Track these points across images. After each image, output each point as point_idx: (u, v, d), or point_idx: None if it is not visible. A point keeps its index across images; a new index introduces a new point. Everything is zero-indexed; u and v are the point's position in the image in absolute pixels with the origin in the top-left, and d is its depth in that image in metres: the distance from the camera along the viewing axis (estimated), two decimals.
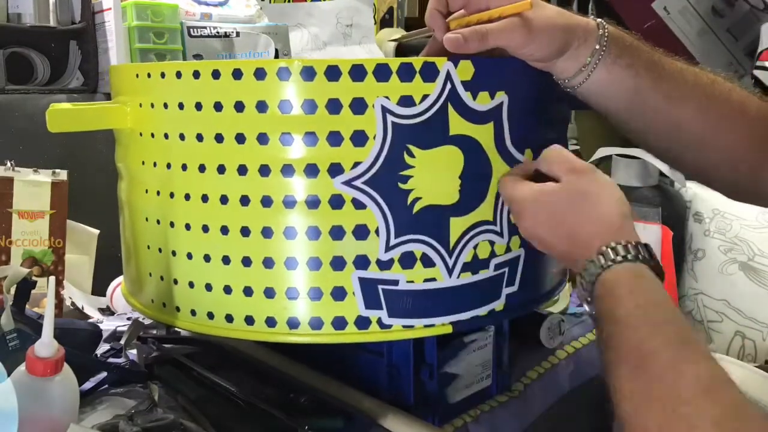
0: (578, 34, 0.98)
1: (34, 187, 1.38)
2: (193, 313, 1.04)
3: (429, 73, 0.94)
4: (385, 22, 2.74)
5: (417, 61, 0.93)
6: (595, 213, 0.89)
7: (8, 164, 1.37)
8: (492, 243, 1.01)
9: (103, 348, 1.28)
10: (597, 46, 0.98)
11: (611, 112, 1.03)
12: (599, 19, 1.00)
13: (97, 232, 1.60)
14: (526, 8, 0.95)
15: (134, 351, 1.28)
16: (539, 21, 0.95)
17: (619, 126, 1.05)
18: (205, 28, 1.86)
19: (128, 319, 1.43)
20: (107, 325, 1.39)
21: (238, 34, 1.91)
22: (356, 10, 2.40)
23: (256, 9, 2.05)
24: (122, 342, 1.28)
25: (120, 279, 1.37)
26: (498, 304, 1.03)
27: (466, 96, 0.96)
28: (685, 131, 1.01)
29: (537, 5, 0.96)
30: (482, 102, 0.97)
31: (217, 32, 1.88)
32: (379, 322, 0.98)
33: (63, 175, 1.42)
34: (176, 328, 1.31)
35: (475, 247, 1.00)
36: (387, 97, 0.93)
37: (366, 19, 2.42)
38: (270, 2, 2.27)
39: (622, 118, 1.03)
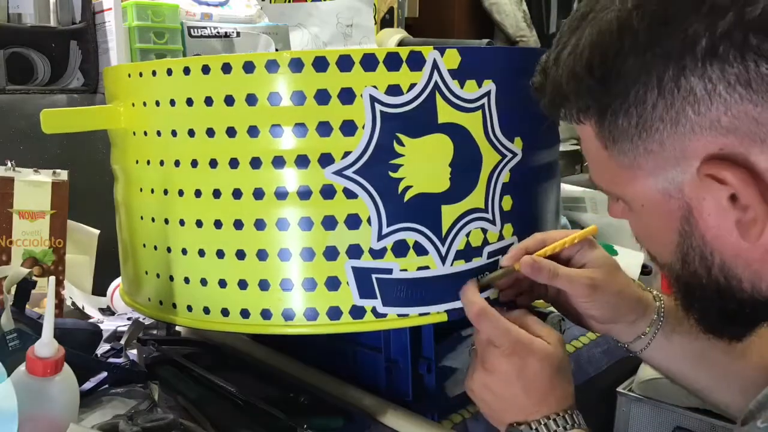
0: (637, 309, 1.00)
1: (34, 187, 1.38)
2: (189, 308, 1.05)
3: (416, 62, 0.94)
4: (385, 22, 2.73)
5: (403, 50, 0.93)
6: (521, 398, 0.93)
7: (9, 164, 1.38)
8: (484, 231, 1.01)
9: (103, 348, 1.28)
10: (654, 317, 1.01)
11: (676, 373, 1.04)
12: (655, 292, 1.03)
13: (97, 232, 1.60)
14: (593, 232, 1.02)
15: (134, 351, 1.28)
16: (604, 286, 0.99)
17: (687, 386, 1.05)
18: (205, 28, 1.87)
19: (128, 319, 1.43)
20: (107, 325, 1.39)
21: (238, 34, 1.91)
22: (356, 11, 2.40)
23: (256, 9, 2.05)
24: (122, 342, 1.29)
25: (120, 279, 1.37)
26: (493, 292, 1.03)
27: (453, 84, 0.96)
28: (750, 381, 1.00)
29: (612, 272, 1.00)
30: (470, 90, 0.97)
31: (218, 32, 1.89)
32: (374, 311, 0.98)
33: (63, 175, 1.43)
34: (175, 328, 1.32)
35: (467, 235, 1.00)
36: (375, 87, 0.93)
37: (366, 20, 2.41)
38: (270, 2, 2.26)
39: (689, 379, 1.04)
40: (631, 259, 1.68)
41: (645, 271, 1.72)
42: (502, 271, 1.00)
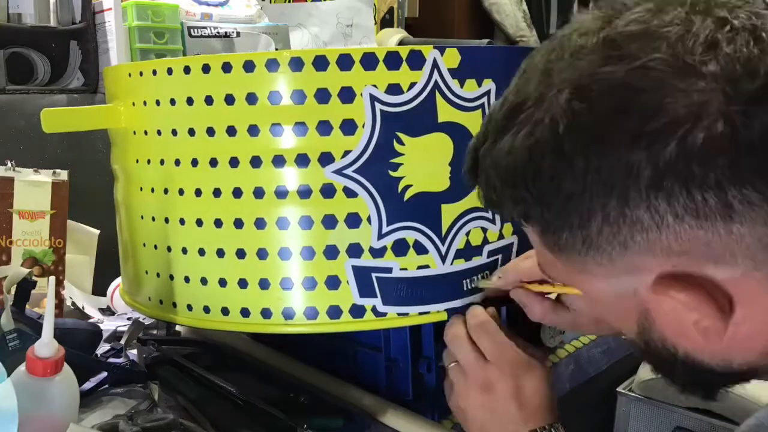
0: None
1: (34, 187, 1.38)
2: (190, 308, 1.05)
3: (416, 61, 0.94)
4: (385, 22, 2.73)
5: (403, 50, 0.94)
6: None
7: (9, 164, 1.38)
8: (484, 230, 1.02)
9: (103, 348, 1.28)
10: None
11: None
12: None
13: (97, 232, 1.60)
14: (575, 292, 0.98)
15: (134, 351, 1.28)
16: (587, 321, 0.98)
17: None
18: (205, 28, 1.87)
19: (128, 319, 1.43)
20: (107, 325, 1.39)
21: (238, 34, 1.91)
22: (356, 10, 2.39)
23: (256, 9, 2.05)
24: (122, 342, 1.29)
25: (120, 279, 1.37)
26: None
27: (453, 83, 0.96)
28: None
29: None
30: (469, 89, 0.98)
31: (218, 32, 1.88)
32: (374, 310, 0.98)
33: (63, 175, 1.42)
34: (175, 328, 1.32)
35: (467, 234, 1.00)
36: (375, 86, 0.93)
37: (366, 19, 2.41)
38: (270, 2, 2.26)
39: None
40: None
41: None
42: (495, 287, 1.03)
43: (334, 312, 0.98)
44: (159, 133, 1.03)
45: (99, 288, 1.59)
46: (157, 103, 1.02)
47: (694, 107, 0.56)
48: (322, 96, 0.93)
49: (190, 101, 0.98)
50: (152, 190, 1.06)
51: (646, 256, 0.63)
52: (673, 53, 0.58)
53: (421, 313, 1.00)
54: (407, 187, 0.96)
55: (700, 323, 0.63)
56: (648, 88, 0.58)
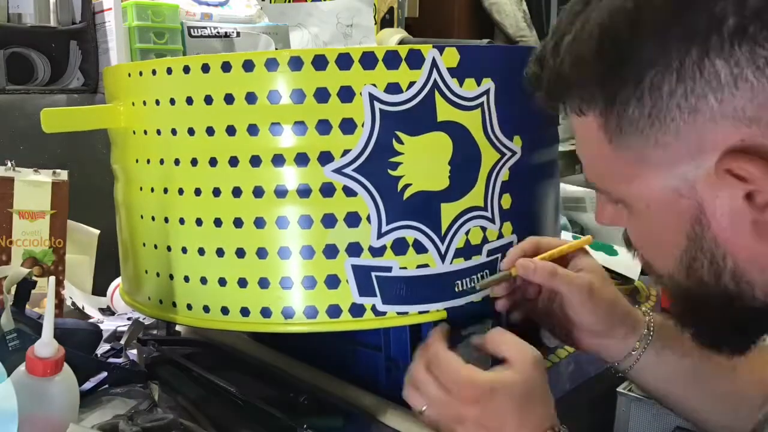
0: (627, 323, 0.99)
1: (34, 187, 1.38)
2: (189, 307, 1.05)
3: (415, 60, 0.94)
4: (385, 22, 2.73)
5: (402, 49, 0.94)
6: None
7: (9, 164, 1.38)
8: (484, 229, 1.02)
9: (103, 348, 1.28)
10: (645, 332, 0.99)
11: (665, 393, 1.02)
12: (644, 308, 1.02)
13: (97, 232, 1.60)
14: (588, 242, 1.00)
15: (134, 351, 1.28)
16: (601, 293, 0.97)
17: (676, 407, 1.03)
18: (205, 28, 1.87)
19: (128, 319, 1.43)
20: (107, 325, 1.39)
21: (238, 34, 1.91)
22: (357, 10, 2.39)
23: (256, 9, 2.05)
24: (122, 342, 1.29)
25: (120, 279, 1.37)
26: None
27: (452, 83, 0.96)
28: (742, 397, 0.98)
29: (606, 281, 0.99)
30: (469, 89, 0.98)
31: (218, 32, 1.88)
32: (374, 309, 0.98)
33: (63, 175, 1.42)
34: (175, 328, 1.32)
35: (467, 233, 1.00)
36: (374, 85, 0.93)
37: (366, 19, 2.41)
38: (270, 2, 2.26)
39: (679, 399, 1.01)
40: (631, 260, 1.68)
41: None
42: (499, 275, 1.00)
43: (334, 311, 0.98)
44: (159, 132, 1.03)
45: (99, 288, 1.59)
46: (157, 102, 1.02)
47: None
48: (322, 95, 0.93)
49: (189, 101, 0.98)
50: (152, 189, 1.06)
51: (715, 127, 0.60)
52: None
53: (420, 312, 1.00)
54: (407, 186, 0.96)
55: (758, 220, 0.61)
56: None
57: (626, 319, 0.99)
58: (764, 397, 0.94)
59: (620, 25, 0.62)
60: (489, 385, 0.89)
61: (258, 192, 0.97)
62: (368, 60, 0.93)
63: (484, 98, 0.99)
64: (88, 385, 1.13)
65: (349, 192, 0.95)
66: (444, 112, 0.96)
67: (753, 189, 0.61)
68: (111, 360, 1.24)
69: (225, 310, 1.02)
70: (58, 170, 1.43)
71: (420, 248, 0.98)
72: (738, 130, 0.60)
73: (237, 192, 0.98)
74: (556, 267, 0.97)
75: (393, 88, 0.94)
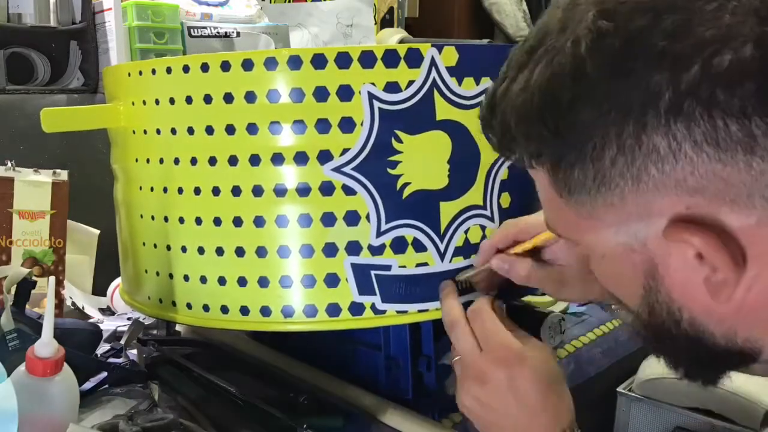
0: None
1: (34, 188, 1.38)
2: (189, 306, 1.05)
3: (414, 59, 0.94)
4: (385, 22, 2.74)
5: (401, 48, 0.94)
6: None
7: (9, 164, 1.38)
8: (483, 227, 1.02)
9: (103, 348, 1.28)
10: None
11: None
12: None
13: (97, 232, 1.60)
14: (545, 239, 0.96)
15: (134, 351, 1.28)
16: (574, 280, 0.96)
17: None
18: (205, 28, 1.87)
19: (128, 319, 1.43)
20: (107, 325, 1.39)
21: (238, 34, 1.91)
22: (356, 10, 2.39)
23: (256, 9, 2.05)
24: (122, 342, 1.29)
25: (120, 279, 1.37)
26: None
27: (451, 81, 0.96)
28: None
29: (584, 265, 0.97)
30: (468, 87, 0.98)
31: (218, 32, 1.89)
32: (373, 307, 0.98)
33: (63, 175, 1.42)
34: (175, 328, 1.32)
35: (466, 232, 1.00)
36: (373, 84, 0.93)
37: (366, 19, 2.41)
38: (270, 2, 2.27)
39: None
40: None
41: None
42: (477, 270, 1.00)
43: (334, 310, 0.98)
44: (158, 132, 1.03)
45: (99, 288, 1.59)
46: (157, 102, 1.02)
47: (724, 29, 0.55)
48: (321, 94, 0.94)
49: (189, 100, 0.98)
50: (152, 189, 1.06)
51: (659, 195, 0.60)
52: None
53: (420, 311, 1.00)
54: (406, 184, 0.96)
55: (710, 279, 0.61)
56: (677, 8, 0.56)
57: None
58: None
59: (559, 91, 0.61)
60: (521, 352, 0.89)
61: (257, 191, 0.97)
62: (367, 59, 0.93)
63: (482, 97, 0.98)
64: (88, 385, 1.13)
65: (348, 191, 0.96)
66: (443, 111, 0.97)
67: (701, 252, 0.60)
68: (111, 360, 1.24)
69: (225, 309, 1.02)
70: (58, 170, 1.43)
71: (419, 247, 0.98)
72: (682, 199, 0.60)
73: (236, 191, 0.98)
74: (528, 268, 0.96)
75: (392, 87, 0.94)
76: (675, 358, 0.73)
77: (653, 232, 0.62)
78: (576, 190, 0.65)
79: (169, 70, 1.00)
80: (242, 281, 1.00)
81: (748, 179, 0.57)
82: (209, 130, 0.98)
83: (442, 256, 0.99)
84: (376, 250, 0.97)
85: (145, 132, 1.05)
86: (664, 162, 0.58)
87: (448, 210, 0.99)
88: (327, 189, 0.96)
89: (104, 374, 1.15)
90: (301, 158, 0.95)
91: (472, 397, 0.91)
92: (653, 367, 1.56)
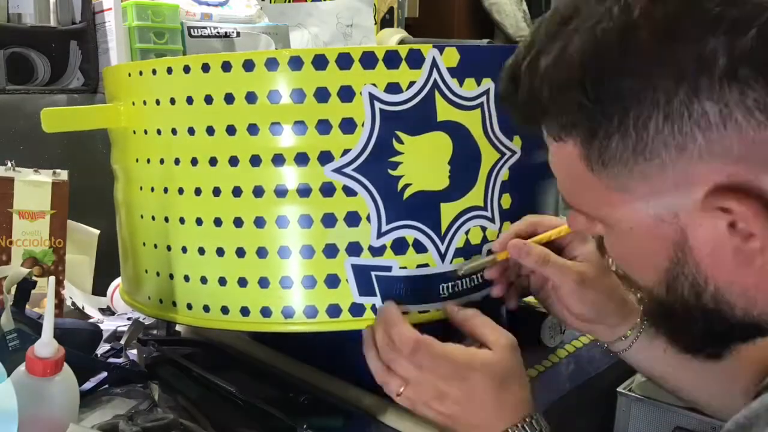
0: (620, 313, 0.98)
1: (34, 187, 1.38)
2: (189, 306, 1.05)
3: (415, 60, 0.94)
4: (385, 22, 2.73)
5: (402, 49, 0.94)
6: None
7: (9, 164, 1.37)
8: (484, 228, 1.02)
9: (103, 348, 1.28)
10: (637, 321, 0.98)
11: (657, 375, 1.02)
12: (640, 295, 0.99)
13: (97, 232, 1.60)
14: (566, 231, 0.98)
15: (134, 351, 1.28)
16: (592, 283, 0.97)
17: (668, 387, 1.03)
18: (205, 28, 1.86)
19: (128, 319, 1.43)
20: (107, 325, 1.39)
21: (238, 34, 1.91)
22: (356, 11, 2.39)
23: (256, 9, 2.05)
24: (122, 342, 1.29)
25: (120, 279, 1.37)
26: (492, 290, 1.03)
27: (452, 82, 0.96)
28: (734, 377, 0.98)
29: (602, 271, 0.97)
30: (469, 88, 0.98)
31: (218, 32, 1.88)
32: (374, 308, 0.98)
33: (63, 175, 1.42)
34: (175, 328, 1.32)
35: (466, 233, 1.00)
36: (374, 85, 0.93)
37: (366, 20, 2.41)
38: (270, 2, 2.26)
39: (670, 380, 1.02)
40: None
41: None
42: (483, 261, 1.00)
43: (334, 311, 0.98)
44: (159, 132, 1.03)
45: (99, 288, 1.59)
46: (157, 102, 1.02)
47: None
48: (322, 95, 0.94)
49: (189, 100, 0.98)
50: (152, 189, 1.06)
51: (702, 164, 0.60)
52: None
53: (420, 312, 1.00)
54: (407, 185, 0.96)
55: (741, 248, 0.61)
56: None
57: (619, 308, 0.98)
58: (757, 379, 0.94)
59: (605, 58, 0.61)
60: (466, 360, 0.89)
61: (258, 191, 0.97)
62: (368, 60, 0.93)
63: (483, 98, 0.99)
64: (88, 385, 1.13)
65: (349, 191, 0.95)
66: (444, 111, 0.96)
67: (736, 219, 0.61)
68: (111, 360, 1.24)
69: (225, 310, 1.02)
70: (58, 170, 1.42)
71: (420, 248, 0.98)
72: (725, 167, 0.60)
73: (237, 191, 0.98)
74: (549, 253, 0.97)
75: (393, 87, 0.94)
76: (682, 332, 0.73)
77: (689, 202, 0.63)
78: (611, 161, 0.64)
79: (169, 71, 1.00)
80: (243, 282, 1.00)
81: None
82: (210, 131, 0.98)
83: (442, 257, 0.99)
84: (377, 251, 0.97)
85: (145, 132, 1.05)
86: (712, 129, 0.59)
87: (448, 211, 0.99)
88: (328, 190, 0.95)
89: (104, 374, 1.15)
90: (301, 159, 0.95)
91: (438, 413, 0.90)
92: None
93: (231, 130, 0.96)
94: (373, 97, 0.93)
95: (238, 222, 0.98)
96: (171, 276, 1.06)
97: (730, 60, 0.56)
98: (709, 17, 0.57)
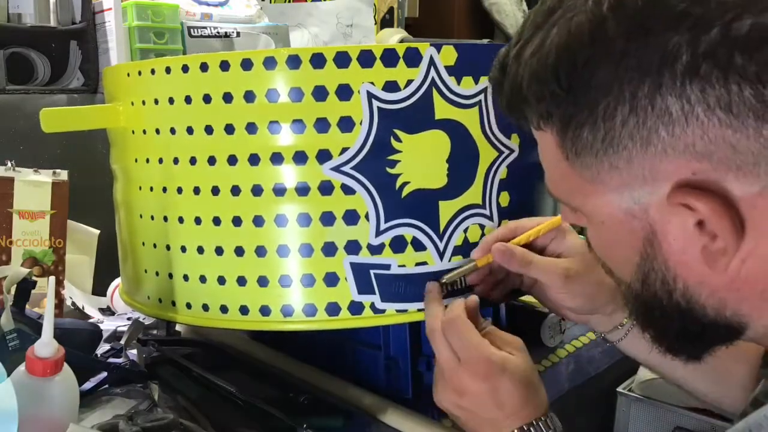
0: (615, 300, 0.98)
1: (34, 187, 1.38)
2: (189, 306, 1.05)
3: (412, 58, 0.94)
4: (385, 22, 2.74)
5: (400, 47, 0.94)
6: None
7: (9, 164, 1.38)
8: (482, 227, 1.02)
9: (103, 348, 1.28)
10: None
11: (654, 363, 1.02)
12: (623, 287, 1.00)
13: (97, 232, 1.60)
14: (556, 224, 0.98)
15: (134, 351, 1.28)
16: (579, 277, 0.97)
17: (665, 375, 1.03)
18: (205, 28, 1.87)
19: (128, 319, 1.43)
20: (107, 325, 1.39)
21: (238, 34, 1.91)
22: (356, 10, 2.39)
23: (256, 9, 2.05)
24: (122, 342, 1.29)
25: (120, 279, 1.37)
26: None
27: (450, 81, 0.96)
28: (727, 369, 0.98)
29: (589, 261, 0.96)
30: (466, 87, 0.98)
31: (218, 32, 1.88)
32: (373, 306, 0.98)
33: (63, 175, 1.43)
34: (175, 328, 1.32)
35: (465, 231, 1.00)
36: (372, 83, 0.94)
37: (366, 20, 2.41)
38: (270, 2, 2.27)
39: (666, 369, 1.02)
40: None
41: None
42: (464, 268, 1.00)
43: (333, 309, 0.98)
44: (158, 132, 1.03)
45: (99, 288, 1.59)
46: (156, 102, 1.02)
47: None
48: (320, 93, 0.94)
49: (188, 100, 0.98)
50: (151, 188, 1.06)
51: (666, 159, 0.61)
52: None
53: (419, 310, 0.99)
54: (405, 183, 0.96)
55: (708, 248, 0.62)
56: None
57: (614, 296, 0.97)
58: (750, 374, 0.94)
59: (576, 50, 0.62)
60: (502, 364, 0.89)
61: (257, 190, 0.97)
62: (366, 58, 0.93)
63: (481, 96, 0.99)
64: (88, 385, 1.13)
65: (347, 190, 0.96)
66: (442, 110, 0.97)
67: (704, 218, 0.61)
68: (111, 360, 1.24)
69: (224, 309, 1.02)
70: (58, 170, 1.43)
71: (418, 246, 0.98)
72: (689, 163, 0.60)
73: (236, 190, 0.98)
74: (529, 254, 0.97)
75: (391, 86, 0.94)
76: (662, 331, 0.73)
77: (656, 198, 0.63)
78: (583, 151, 0.65)
79: (168, 70, 1.00)
80: (242, 281, 1.00)
81: (756, 147, 0.58)
82: (208, 130, 0.98)
83: (441, 255, 0.99)
84: (376, 250, 0.97)
85: (144, 132, 1.05)
86: (675, 125, 0.59)
87: (447, 209, 0.99)
88: (326, 188, 0.96)
89: (104, 374, 1.15)
90: (300, 157, 0.95)
91: (452, 403, 0.91)
92: None
93: (229, 129, 0.96)
94: (371, 96, 0.94)
95: (236, 221, 0.98)
96: (170, 275, 1.06)
97: (692, 57, 0.57)
98: (674, 13, 0.57)
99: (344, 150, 0.95)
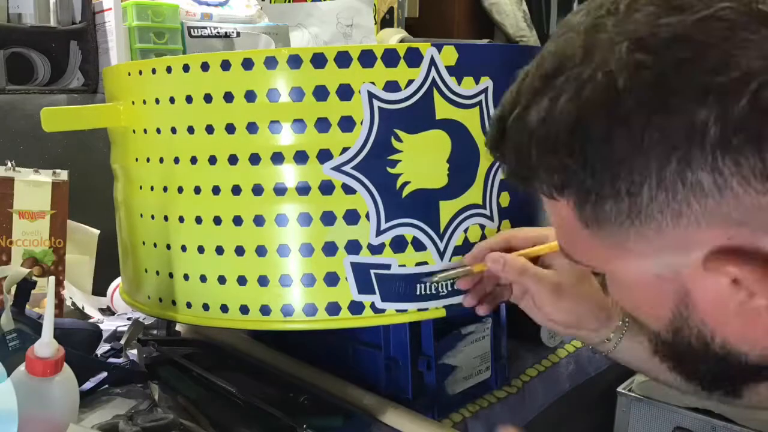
0: (599, 318, 0.98)
1: (34, 187, 1.38)
2: (189, 305, 1.05)
3: (413, 58, 0.94)
4: (385, 22, 2.73)
5: (401, 47, 0.94)
6: None
7: (9, 164, 1.37)
8: (482, 227, 1.02)
9: (103, 348, 1.28)
10: (619, 323, 0.98)
11: (645, 369, 1.02)
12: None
13: (97, 232, 1.60)
14: (554, 249, 0.96)
15: (134, 351, 1.28)
16: (569, 293, 0.97)
17: (657, 379, 1.01)
18: (205, 28, 1.87)
19: (128, 319, 1.43)
20: (107, 325, 1.39)
21: (238, 34, 1.91)
22: (356, 11, 2.39)
23: (256, 9, 2.05)
24: (122, 342, 1.29)
25: (120, 279, 1.37)
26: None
27: (450, 81, 0.96)
28: None
29: (580, 278, 0.97)
30: (467, 87, 0.98)
31: (218, 32, 1.88)
32: (373, 306, 0.98)
33: (63, 175, 1.42)
34: (175, 328, 1.32)
35: (465, 231, 1.00)
36: (373, 83, 0.94)
37: (366, 20, 2.41)
38: (270, 2, 2.27)
39: (659, 373, 0.98)
40: None
41: None
42: (458, 271, 0.99)
43: (333, 309, 0.98)
44: (158, 131, 1.03)
45: (99, 288, 1.59)
46: (157, 101, 1.02)
47: None
48: (321, 93, 0.94)
49: (189, 99, 0.98)
50: (152, 188, 1.06)
51: (700, 228, 0.58)
52: (742, 1, 0.55)
53: (419, 310, 1.00)
54: (405, 183, 0.96)
55: (746, 304, 0.59)
56: (716, 39, 0.54)
57: (598, 314, 0.98)
58: None
59: (591, 124, 0.58)
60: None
61: (257, 190, 0.97)
62: (367, 58, 0.93)
63: (482, 96, 0.99)
64: (88, 385, 1.13)
65: (348, 190, 0.96)
66: (442, 110, 0.97)
67: (739, 278, 0.59)
68: (111, 360, 1.24)
69: (224, 308, 1.02)
70: (58, 170, 1.42)
71: (419, 246, 0.98)
72: (725, 231, 0.58)
73: (236, 190, 0.98)
74: (525, 263, 0.96)
75: (392, 86, 0.94)
76: (695, 375, 0.71)
77: (689, 261, 0.60)
78: (606, 223, 0.62)
79: (169, 70, 1.00)
80: (242, 280, 1.00)
81: None
82: (209, 129, 0.98)
83: (441, 255, 0.99)
84: (376, 249, 0.97)
85: (145, 131, 1.05)
86: (708, 197, 0.56)
87: (447, 209, 0.99)
88: (327, 188, 0.96)
89: (104, 374, 1.15)
90: (300, 157, 0.95)
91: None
92: None
93: (230, 128, 0.96)
94: (371, 96, 0.94)
95: (237, 220, 0.98)
96: (170, 275, 1.06)
97: (723, 130, 0.54)
98: (696, 87, 0.55)
99: (345, 150, 0.95)
